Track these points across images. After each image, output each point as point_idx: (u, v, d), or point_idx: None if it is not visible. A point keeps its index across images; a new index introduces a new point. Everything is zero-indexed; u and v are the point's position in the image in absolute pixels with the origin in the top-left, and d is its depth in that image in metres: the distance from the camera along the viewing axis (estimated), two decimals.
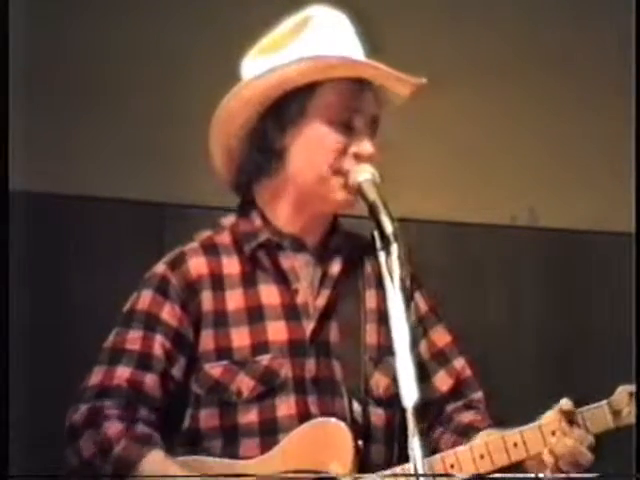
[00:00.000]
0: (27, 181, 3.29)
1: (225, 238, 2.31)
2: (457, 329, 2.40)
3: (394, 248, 1.99)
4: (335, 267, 2.30)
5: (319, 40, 2.25)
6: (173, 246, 2.32)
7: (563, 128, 3.99)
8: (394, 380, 2.15)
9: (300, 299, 2.27)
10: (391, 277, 1.97)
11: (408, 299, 2.23)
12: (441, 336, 2.37)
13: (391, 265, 1.98)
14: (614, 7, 3.74)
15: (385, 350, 2.26)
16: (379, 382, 2.27)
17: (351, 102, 2.24)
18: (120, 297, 2.30)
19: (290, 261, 2.28)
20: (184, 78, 3.57)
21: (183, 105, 3.49)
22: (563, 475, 2.10)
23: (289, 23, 2.30)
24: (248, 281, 2.26)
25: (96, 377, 2.20)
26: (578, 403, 2.14)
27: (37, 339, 3.35)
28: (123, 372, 2.19)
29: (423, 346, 2.34)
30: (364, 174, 2.18)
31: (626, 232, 3.97)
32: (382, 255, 2.01)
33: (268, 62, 2.25)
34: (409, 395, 1.87)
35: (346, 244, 2.33)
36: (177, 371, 2.21)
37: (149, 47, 3.59)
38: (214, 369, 2.21)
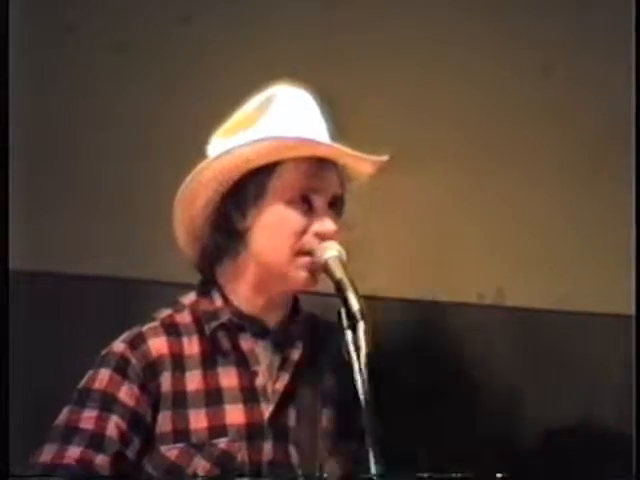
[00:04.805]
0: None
1: (186, 317, 2.29)
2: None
3: (361, 326, 1.99)
4: (295, 352, 2.29)
5: (281, 120, 2.25)
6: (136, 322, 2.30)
7: (530, 207, 4.02)
8: (348, 467, 2.19)
9: (259, 382, 2.25)
10: (357, 355, 1.97)
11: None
12: None
13: (358, 343, 1.98)
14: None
15: (340, 436, 2.25)
16: (333, 469, 2.25)
17: (310, 181, 2.23)
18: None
19: (250, 343, 2.26)
20: (150, 154, 3.57)
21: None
22: None
23: (253, 102, 2.31)
24: (208, 362, 2.24)
25: (47, 455, 2.16)
26: None
27: None
28: (74, 451, 2.15)
29: None
30: (330, 252, 2.18)
31: (591, 312, 3.99)
32: (349, 333, 2.01)
33: (232, 142, 2.25)
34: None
35: (307, 329, 2.32)
36: (131, 452, 2.18)
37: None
38: (170, 451, 2.19)
